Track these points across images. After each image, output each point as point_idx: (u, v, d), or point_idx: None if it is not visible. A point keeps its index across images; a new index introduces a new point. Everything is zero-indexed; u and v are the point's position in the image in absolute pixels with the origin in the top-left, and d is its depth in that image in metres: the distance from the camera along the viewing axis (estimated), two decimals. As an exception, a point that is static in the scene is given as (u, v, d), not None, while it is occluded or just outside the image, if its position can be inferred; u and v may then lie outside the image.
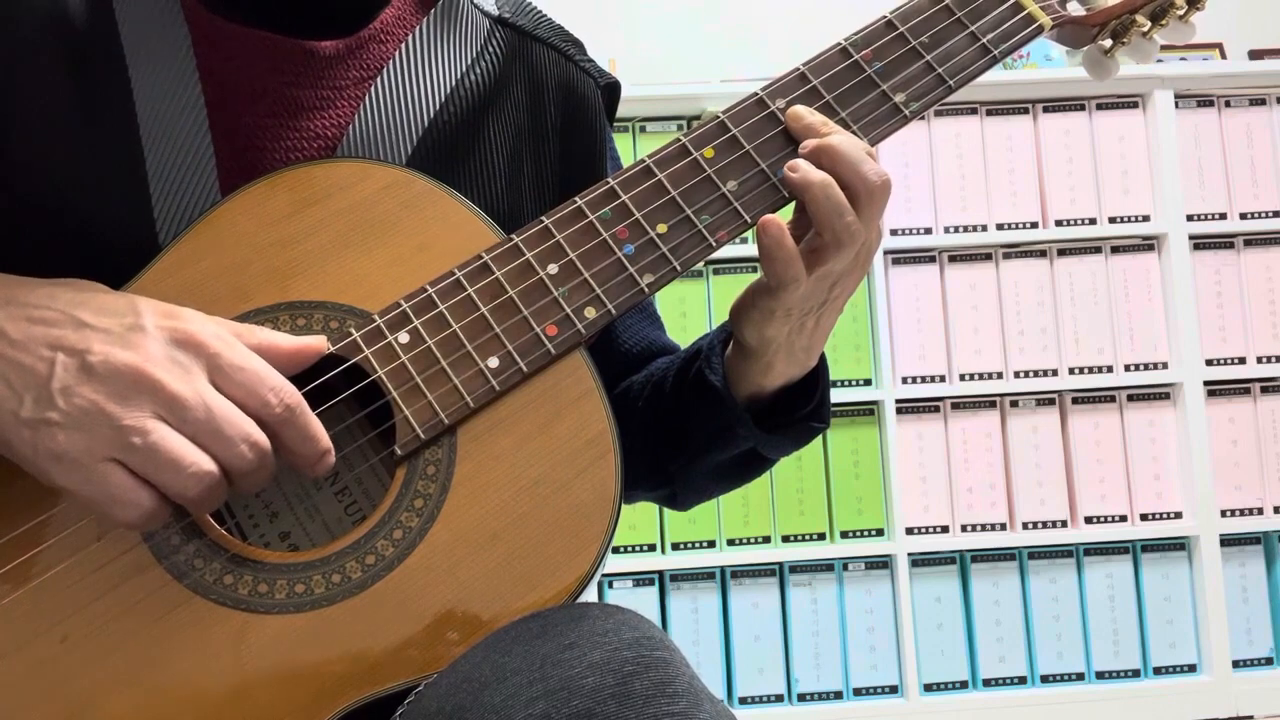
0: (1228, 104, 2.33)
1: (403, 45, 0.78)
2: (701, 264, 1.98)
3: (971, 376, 2.25)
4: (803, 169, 0.69)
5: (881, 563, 2.20)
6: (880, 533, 2.21)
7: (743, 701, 2.15)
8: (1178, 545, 2.23)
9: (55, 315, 0.59)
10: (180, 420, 0.57)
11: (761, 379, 0.77)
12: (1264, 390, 2.28)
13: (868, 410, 2.23)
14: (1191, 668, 2.21)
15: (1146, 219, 2.29)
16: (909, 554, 2.19)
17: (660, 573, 2.18)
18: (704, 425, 0.79)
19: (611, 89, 0.89)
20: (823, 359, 0.80)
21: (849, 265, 0.71)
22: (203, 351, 0.59)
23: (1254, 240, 2.31)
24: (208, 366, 0.59)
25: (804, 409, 0.79)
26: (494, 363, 0.67)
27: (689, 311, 2.22)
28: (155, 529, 0.61)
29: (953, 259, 2.28)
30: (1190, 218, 2.28)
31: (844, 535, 2.21)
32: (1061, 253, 2.29)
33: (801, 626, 2.18)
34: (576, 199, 0.71)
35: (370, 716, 0.61)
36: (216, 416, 0.57)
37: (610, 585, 2.16)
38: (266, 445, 0.59)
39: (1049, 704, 2.16)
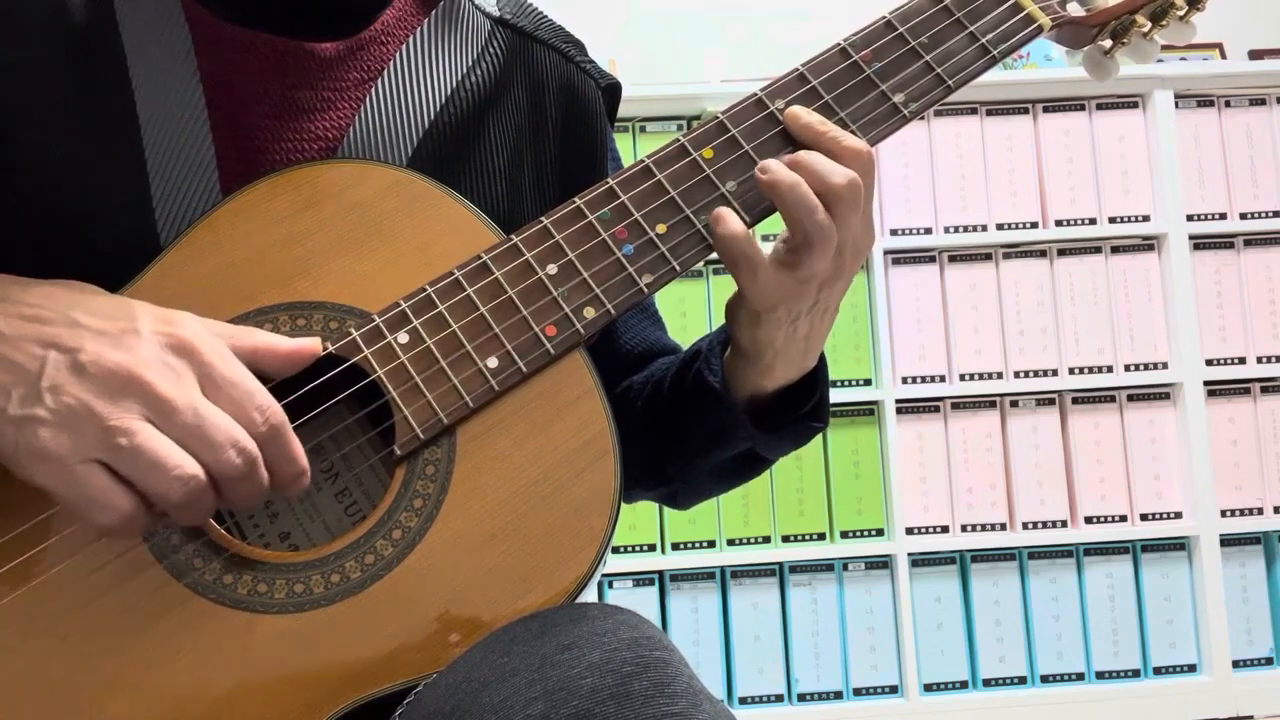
0: (1228, 104, 2.33)
1: (403, 46, 0.78)
2: (701, 264, 1.98)
3: (971, 376, 2.25)
4: (772, 169, 0.69)
5: (881, 563, 2.20)
6: (880, 533, 2.21)
7: (743, 701, 2.15)
8: (1178, 545, 2.23)
9: (50, 314, 0.59)
10: (168, 424, 0.56)
11: (760, 380, 0.77)
12: (1264, 390, 2.28)
13: (868, 410, 2.23)
14: (1191, 668, 2.21)
15: (1146, 219, 2.29)
16: (909, 554, 2.19)
17: (660, 573, 2.18)
18: (702, 426, 0.79)
19: (612, 90, 0.89)
20: (822, 359, 0.80)
21: (833, 268, 0.70)
22: (196, 359, 0.59)
23: (1254, 240, 2.31)
24: (199, 375, 0.58)
25: (803, 409, 0.79)
26: (493, 363, 0.67)
27: (689, 311, 2.22)
28: (132, 536, 0.60)
29: (953, 259, 2.28)
30: (1190, 218, 2.28)
31: (844, 535, 2.21)
32: (1061, 253, 2.29)
33: (801, 626, 2.18)
34: (576, 199, 0.71)
35: (370, 716, 0.61)
36: (205, 421, 0.57)
37: (610, 585, 2.16)
38: (255, 452, 0.58)
39: (1049, 704, 2.16)
